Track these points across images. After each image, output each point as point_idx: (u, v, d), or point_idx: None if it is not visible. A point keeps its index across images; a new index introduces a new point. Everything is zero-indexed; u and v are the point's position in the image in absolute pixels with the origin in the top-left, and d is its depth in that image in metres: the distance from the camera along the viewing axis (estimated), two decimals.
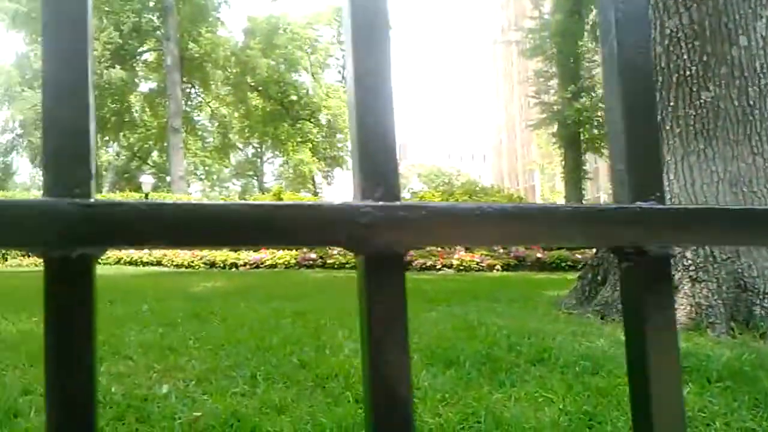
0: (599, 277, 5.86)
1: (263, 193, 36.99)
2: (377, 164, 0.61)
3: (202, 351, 4.11)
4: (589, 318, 5.48)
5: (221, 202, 0.60)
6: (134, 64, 39.07)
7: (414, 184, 55.21)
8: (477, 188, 26.25)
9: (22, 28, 36.32)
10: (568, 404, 3.12)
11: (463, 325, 5.06)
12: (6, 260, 20.77)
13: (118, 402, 3.02)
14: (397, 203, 0.61)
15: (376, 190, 0.62)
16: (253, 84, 43.36)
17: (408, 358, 0.56)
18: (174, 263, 17.69)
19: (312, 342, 4.35)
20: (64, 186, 0.58)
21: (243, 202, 0.61)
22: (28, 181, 54.81)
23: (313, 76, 45.31)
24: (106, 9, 35.88)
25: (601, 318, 5.41)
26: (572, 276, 9.05)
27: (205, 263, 16.79)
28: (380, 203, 0.60)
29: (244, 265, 15.74)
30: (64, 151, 0.59)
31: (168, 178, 35.87)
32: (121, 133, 41.64)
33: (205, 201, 0.52)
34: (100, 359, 3.94)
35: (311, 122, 45.29)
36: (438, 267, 14.21)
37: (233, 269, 15.69)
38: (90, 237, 0.57)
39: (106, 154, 45.22)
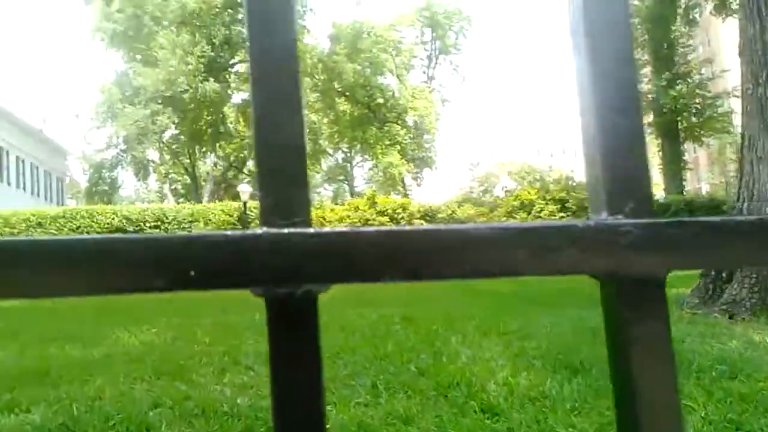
0: (724, 274, 5.51)
1: (353, 197, 37.32)
2: (627, 170, 0.53)
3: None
4: (716, 318, 5.16)
5: (455, 226, 0.52)
6: (227, 76, 40.26)
7: (505, 181, 54.43)
8: (573, 184, 25.58)
9: (121, 47, 38.07)
10: (710, 412, 2.92)
11: (582, 328, 4.86)
12: None
13: (245, 414, 3.03)
14: (662, 220, 0.51)
15: (626, 204, 0.52)
16: (340, 89, 43.88)
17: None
18: None
19: (427, 349, 4.27)
20: (284, 214, 0.51)
21: (473, 226, 0.53)
22: (133, 195, 57.53)
23: (398, 78, 45.41)
24: (198, 24, 37.12)
25: (730, 317, 5.09)
26: (688, 273, 8.60)
27: None
28: (642, 221, 0.51)
29: None
30: (281, 174, 0.52)
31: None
32: (217, 144, 43.00)
33: (441, 227, 0.47)
34: (222, 369, 4.00)
35: (398, 124, 45.41)
36: None
37: None
38: (316, 271, 0.50)
39: (204, 165, 46.83)
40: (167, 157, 45.30)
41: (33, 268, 0.46)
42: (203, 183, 45.96)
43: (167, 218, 23.45)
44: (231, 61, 40.40)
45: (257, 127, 0.53)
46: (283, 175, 0.52)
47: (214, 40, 37.67)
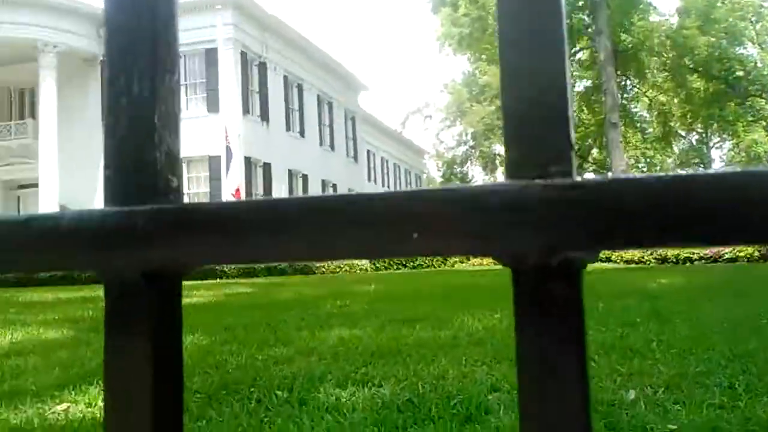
0: None
1: None
2: None
3: (667, 354, 3.79)
4: None
5: None
6: (569, 65, 39.82)
7: None
8: None
9: (468, 50, 39.99)
10: None
11: None
12: (469, 258, 22.93)
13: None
14: None
15: None
16: (691, 66, 40.34)
17: None
18: (623, 259, 17.32)
19: None
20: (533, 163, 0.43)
21: None
22: None
23: (760, 46, 40.17)
24: None
25: None
26: None
27: (656, 258, 16.03)
28: None
29: (700, 259, 14.56)
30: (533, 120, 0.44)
31: (610, 174, 35.33)
32: None
33: None
34: None
35: (762, 98, 40.16)
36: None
37: (686, 264, 14.64)
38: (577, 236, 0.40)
39: None
40: None
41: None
42: None
43: None
44: (573, 50, 39.80)
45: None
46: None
47: None
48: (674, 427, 2.52)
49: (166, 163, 0.50)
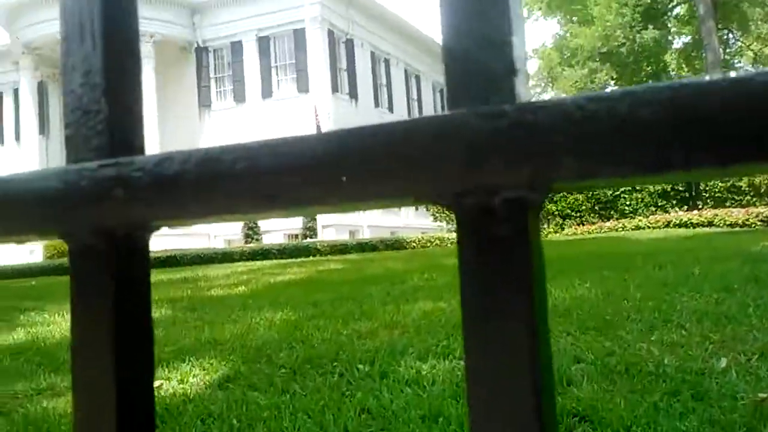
0: None
1: None
2: None
3: (764, 320, 3.57)
4: None
5: None
6: (666, 21, 37.92)
7: None
8: None
9: (557, 12, 38.78)
10: None
11: None
12: (563, 229, 22.44)
13: (671, 375, 2.79)
14: None
15: None
16: None
17: None
18: (726, 222, 16.47)
19: None
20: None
21: None
22: None
23: None
24: None
25: None
26: None
27: (762, 221, 15.16)
28: None
29: None
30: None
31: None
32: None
33: None
34: (651, 327, 3.77)
35: None
36: None
37: None
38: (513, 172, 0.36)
39: None
40: None
41: None
42: None
43: None
44: (669, 5, 37.86)
45: None
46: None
47: None
48: (765, 395, 2.36)
49: (120, 120, 0.49)
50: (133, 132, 0.49)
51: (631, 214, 21.56)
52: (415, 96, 36.40)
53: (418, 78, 36.60)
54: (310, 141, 0.39)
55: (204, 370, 3.66)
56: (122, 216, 0.45)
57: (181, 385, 3.41)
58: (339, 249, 20.16)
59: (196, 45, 30.43)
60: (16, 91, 32.62)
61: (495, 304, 0.36)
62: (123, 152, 0.48)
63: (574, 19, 38.63)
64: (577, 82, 37.35)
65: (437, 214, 23.30)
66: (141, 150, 0.50)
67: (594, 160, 0.34)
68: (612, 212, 22.12)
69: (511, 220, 0.36)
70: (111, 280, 0.46)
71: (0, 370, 4.13)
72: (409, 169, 0.37)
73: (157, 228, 0.47)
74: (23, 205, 0.47)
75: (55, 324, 6.14)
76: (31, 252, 26.33)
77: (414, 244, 21.77)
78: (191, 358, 3.91)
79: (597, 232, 19.81)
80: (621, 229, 19.66)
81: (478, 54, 0.37)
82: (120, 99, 0.49)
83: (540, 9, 38.64)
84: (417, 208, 33.54)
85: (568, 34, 39.24)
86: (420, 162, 0.36)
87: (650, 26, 35.69)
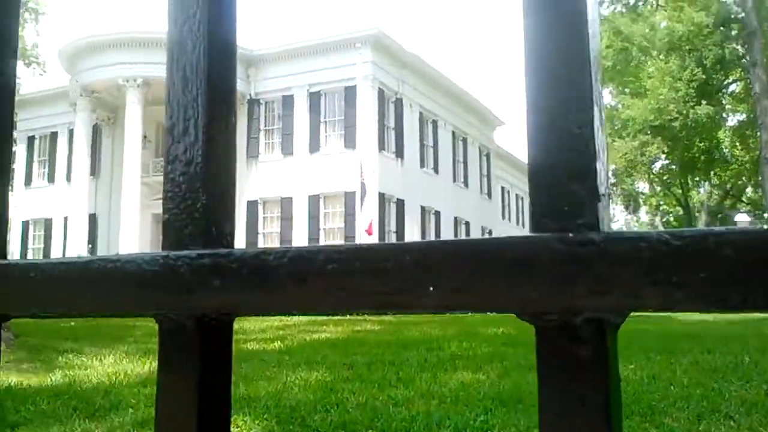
0: None
1: None
2: None
3: None
4: None
5: None
6: (720, 98, 37.66)
7: None
8: None
9: (609, 82, 38.86)
10: None
11: None
12: None
13: None
14: None
15: None
16: None
17: None
18: None
19: None
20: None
21: None
22: (623, 228, 57.75)
23: None
24: (687, 48, 35.69)
25: None
26: None
27: None
28: None
29: None
30: None
31: (766, 215, 33.17)
32: (712, 172, 40.35)
33: None
34: (698, 415, 3.63)
35: None
36: None
37: None
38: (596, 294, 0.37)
39: (698, 194, 44.49)
40: (658, 188, 44.30)
41: None
42: (697, 214, 43.54)
43: None
44: (725, 82, 37.66)
45: None
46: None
47: (705, 62, 35.67)
48: None
49: (215, 210, 0.52)
50: (226, 219, 0.53)
51: None
52: (461, 158, 36.58)
53: (465, 141, 36.82)
54: (399, 249, 0.42)
55: (237, 427, 3.64)
56: (215, 303, 0.47)
57: None
58: None
59: (248, 97, 31.27)
60: (71, 132, 33.77)
61: (573, 420, 0.38)
62: (216, 239, 0.51)
63: (627, 90, 38.66)
64: (627, 153, 37.09)
65: None
66: (231, 236, 0.53)
67: (674, 292, 0.35)
68: None
69: (590, 341, 0.38)
70: (198, 360, 0.49)
71: (37, 412, 4.17)
72: (494, 284, 0.39)
73: (244, 314, 0.50)
74: (124, 284, 0.50)
75: (92, 368, 6.20)
76: None
77: None
78: (241, 411, 3.91)
79: (642, 310, 19.34)
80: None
81: (563, 179, 0.39)
82: (216, 189, 0.52)
83: None
84: None
85: (619, 106, 39.24)
86: (506, 279, 0.38)
87: (704, 102, 35.47)
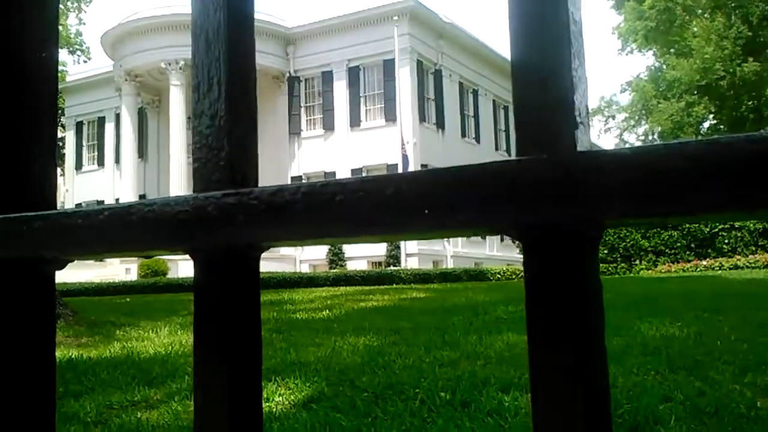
0: None
1: None
2: None
3: None
4: None
5: None
6: None
7: None
8: None
9: (653, 44, 37.89)
10: None
11: None
12: (655, 266, 21.67)
13: (763, 418, 2.70)
14: None
15: None
16: None
17: None
18: None
19: None
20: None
21: None
22: None
23: None
24: (732, 5, 34.54)
25: None
26: None
27: None
28: None
29: None
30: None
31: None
32: (762, 129, 39.17)
33: None
34: (744, 368, 3.63)
35: None
36: None
37: None
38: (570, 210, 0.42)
39: None
40: None
41: None
42: None
43: None
44: None
45: None
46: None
47: (751, 19, 34.48)
48: None
49: (239, 158, 0.57)
50: (249, 167, 0.58)
51: (730, 253, 20.66)
52: (503, 127, 36.23)
53: (506, 109, 36.44)
54: (396, 179, 0.47)
55: (289, 390, 3.77)
56: (240, 236, 0.53)
57: (267, 404, 3.52)
58: (422, 278, 20.18)
59: (288, 75, 31.43)
60: (117, 116, 34.50)
61: (555, 320, 0.42)
62: (240, 183, 0.57)
63: (672, 50, 37.65)
64: (672, 115, 36.23)
65: None
66: (255, 181, 0.58)
67: (637, 202, 0.39)
68: (709, 250, 21.26)
69: (570, 253, 0.42)
70: (227, 289, 0.55)
71: (97, 381, 4.37)
72: (484, 206, 0.43)
73: (267, 248, 0.56)
74: (160, 225, 0.56)
75: (149, 340, 6.43)
76: (127, 270, 27.60)
77: (498, 276, 21.54)
78: (277, 378, 4.04)
79: (692, 271, 19.07)
80: (718, 268, 18.86)
81: (543, 110, 0.44)
82: (239, 139, 0.57)
83: (636, 41, 37.88)
84: (503, 239, 33.19)
85: (664, 66, 38.26)
86: (493, 200, 0.43)
87: (751, 59, 34.35)
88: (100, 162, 36.93)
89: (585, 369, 0.42)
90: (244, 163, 0.58)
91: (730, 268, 18.20)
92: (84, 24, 25.78)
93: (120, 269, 27.91)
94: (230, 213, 0.53)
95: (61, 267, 0.69)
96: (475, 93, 33.92)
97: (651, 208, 0.39)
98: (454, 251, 29.73)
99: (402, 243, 27.42)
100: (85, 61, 29.79)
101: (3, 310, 0.65)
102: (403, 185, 0.46)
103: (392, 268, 24.77)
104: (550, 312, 0.43)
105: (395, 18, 28.41)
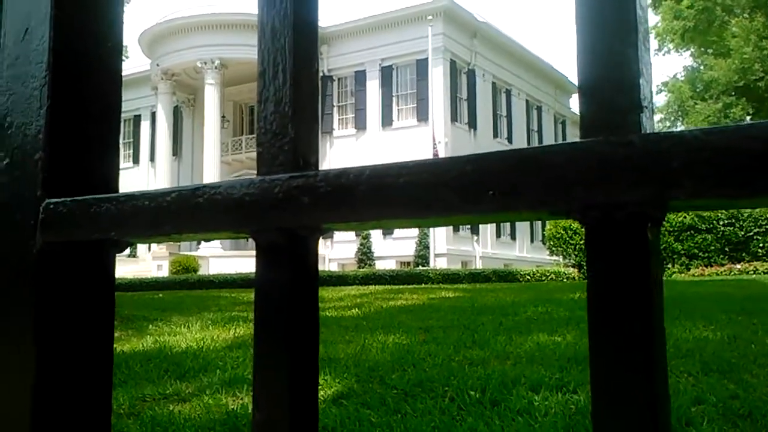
0: None
1: None
2: None
3: None
4: None
5: None
6: None
7: None
8: None
9: (691, 44, 37.30)
10: None
11: None
12: (689, 269, 21.35)
13: None
14: None
15: None
16: None
17: None
18: None
19: None
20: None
21: None
22: None
23: None
24: None
25: None
26: None
27: None
28: None
29: None
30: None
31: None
32: None
33: None
34: None
35: None
36: None
37: None
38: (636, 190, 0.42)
39: None
40: None
41: None
42: None
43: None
44: None
45: None
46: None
47: None
48: None
49: (302, 143, 0.59)
50: (311, 152, 0.60)
51: (765, 257, 20.27)
52: (535, 127, 35.99)
53: (539, 109, 36.19)
54: (461, 161, 0.48)
55: (319, 385, 3.79)
56: (305, 218, 0.55)
57: None
58: (450, 278, 20.14)
59: (321, 74, 31.59)
60: (153, 115, 34.98)
61: (617, 303, 0.43)
62: (303, 167, 0.58)
63: (709, 51, 37.05)
64: (709, 116, 35.65)
65: (554, 248, 22.79)
66: (316, 166, 0.60)
67: (704, 184, 0.40)
68: (743, 254, 20.87)
69: (634, 235, 0.43)
70: (289, 269, 0.56)
71: (131, 374, 4.44)
72: (549, 187, 0.45)
73: (327, 231, 0.57)
74: (225, 207, 0.58)
75: (181, 334, 6.52)
76: (159, 267, 27.97)
77: (528, 277, 21.40)
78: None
79: (726, 274, 18.74)
80: (752, 272, 18.51)
81: (610, 93, 0.45)
82: (302, 125, 0.59)
83: (673, 41, 37.33)
84: (533, 241, 32.94)
85: (701, 67, 37.66)
86: (559, 180, 0.44)
87: None
88: (135, 159, 37.49)
89: (647, 346, 0.43)
90: (306, 148, 0.59)
91: (764, 272, 17.87)
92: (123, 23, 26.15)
93: (152, 265, 28.32)
94: (295, 195, 0.54)
95: (122, 250, 0.71)
96: (508, 93, 33.73)
97: (718, 190, 0.40)
98: (483, 252, 29.61)
99: (431, 243, 27.34)
100: (123, 60, 30.25)
101: (73, 292, 0.68)
102: (468, 167, 0.47)
103: (421, 267, 24.76)
104: (612, 290, 0.44)
105: (429, 17, 28.39)
